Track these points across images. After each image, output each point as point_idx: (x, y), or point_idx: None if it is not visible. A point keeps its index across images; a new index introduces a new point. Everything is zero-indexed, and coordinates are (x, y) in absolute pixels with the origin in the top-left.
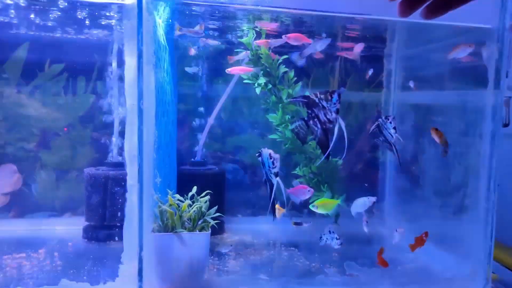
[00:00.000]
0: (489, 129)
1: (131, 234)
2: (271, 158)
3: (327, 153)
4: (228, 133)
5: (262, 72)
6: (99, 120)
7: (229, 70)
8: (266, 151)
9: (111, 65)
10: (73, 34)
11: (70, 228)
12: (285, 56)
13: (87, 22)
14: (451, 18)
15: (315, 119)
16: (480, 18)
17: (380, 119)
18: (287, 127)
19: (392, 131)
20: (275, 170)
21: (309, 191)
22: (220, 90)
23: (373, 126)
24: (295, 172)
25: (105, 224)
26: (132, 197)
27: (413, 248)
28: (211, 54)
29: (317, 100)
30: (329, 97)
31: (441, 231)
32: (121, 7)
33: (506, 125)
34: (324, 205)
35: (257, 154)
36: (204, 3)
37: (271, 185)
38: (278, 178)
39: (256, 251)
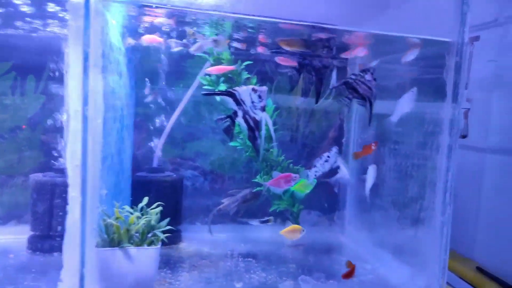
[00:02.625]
0: (446, 143)
1: (72, 250)
2: (256, 92)
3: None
4: (188, 139)
5: (223, 78)
6: (50, 122)
7: (208, 70)
8: (245, 87)
9: (62, 65)
10: (23, 30)
11: (15, 237)
12: (248, 62)
13: (38, 17)
14: (412, 31)
15: (309, 67)
16: (440, 32)
17: (352, 75)
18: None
19: (373, 83)
20: (262, 103)
21: (295, 177)
22: (181, 94)
23: (340, 83)
24: (256, 180)
25: (51, 234)
26: (74, 210)
27: (357, 155)
28: (173, 56)
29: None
30: (325, 44)
31: (398, 242)
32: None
33: (464, 137)
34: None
35: (227, 92)
36: (163, 7)
37: (255, 123)
38: (265, 113)
39: (212, 263)
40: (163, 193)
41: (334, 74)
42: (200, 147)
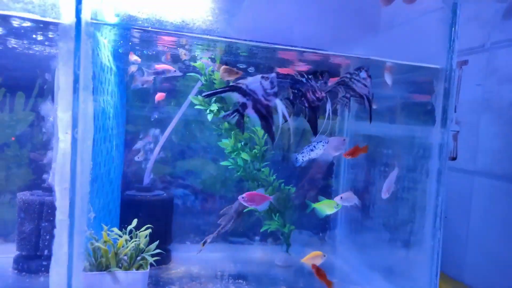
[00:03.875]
0: (435, 167)
1: (59, 274)
2: (267, 79)
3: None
4: (179, 157)
5: (214, 98)
6: (39, 140)
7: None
8: (253, 78)
9: (52, 83)
10: (13, 47)
11: (0, 257)
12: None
13: (28, 36)
14: (401, 57)
15: (302, 98)
16: (428, 58)
17: (347, 74)
18: (239, 155)
19: (368, 80)
20: (275, 89)
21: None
22: (172, 112)
23: (335, 83)
24: None
25: (38, 255)
26: (61, 233)
27: (347, 154)
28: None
29: (304, 80)
30: (319, 77)
31: (389, 264)
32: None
33: (453, 159)
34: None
35: (231, 87)
36: (155, 30)
37: (267, 111)
38: (278, 99)
39: (202, 285)
40: (153, 212)
41: (328, 105)
42: (191, 165)
